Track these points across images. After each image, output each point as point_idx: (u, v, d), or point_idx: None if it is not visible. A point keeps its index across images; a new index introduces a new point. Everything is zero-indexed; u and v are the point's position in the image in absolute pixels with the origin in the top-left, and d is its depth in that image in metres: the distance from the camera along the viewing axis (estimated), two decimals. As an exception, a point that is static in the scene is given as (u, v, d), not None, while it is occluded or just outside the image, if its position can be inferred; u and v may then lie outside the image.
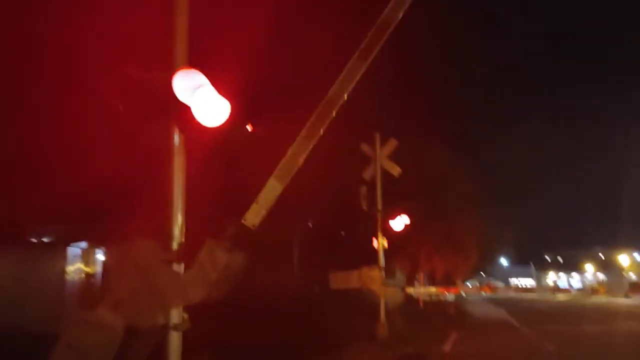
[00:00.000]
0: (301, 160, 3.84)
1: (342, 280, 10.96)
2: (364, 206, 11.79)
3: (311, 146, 3.88)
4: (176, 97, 3.44)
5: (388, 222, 12.65)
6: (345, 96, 3.81)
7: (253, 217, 3.59)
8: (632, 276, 49.74)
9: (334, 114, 3.86)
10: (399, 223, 11.66)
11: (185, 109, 3.46)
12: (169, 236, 3.75)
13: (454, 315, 22.51)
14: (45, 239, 15.87)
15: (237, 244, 3.45)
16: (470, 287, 29.92)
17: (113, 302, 3.28)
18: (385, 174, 12.38)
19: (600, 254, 71.00)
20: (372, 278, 10.47)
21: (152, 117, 3.61)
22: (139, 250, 3.46)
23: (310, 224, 17.88)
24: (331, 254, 15.95)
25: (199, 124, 3.51)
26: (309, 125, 3.79)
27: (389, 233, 13.03)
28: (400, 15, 4.01)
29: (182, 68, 3.49)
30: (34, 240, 15.01)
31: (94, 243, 13.55)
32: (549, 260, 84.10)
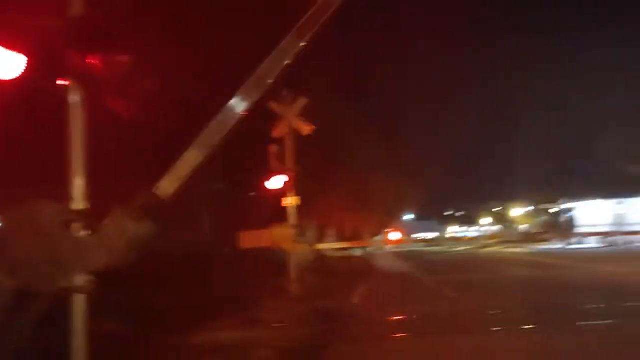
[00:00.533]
0: (224, 133, 3.74)
1: (252, 239, 11.00)
2: (275, 165, 11.78)
3: (235, 122, 3.80)
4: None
5: (299, 179, 12.77)
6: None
7: (167, 186, 3.48)
8: (523, 227, 53.74)
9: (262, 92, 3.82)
10: (276, 182, 11.72)
11: None
12: (69, 199, 3.58)
13: (362, 269, 23.35)
14: None
15: (147, 213, 3.34)
16: (378, 241, 31.05)
17: (8, 265, 3.11)
18: (296, 132, 12.40)
19: (496, 208, 76.83)
20: (283, 236, 10.59)
21: (45, 69, 3.37)
22: (39, 213, 3.28)
23: (221, 186, 17.67)
24: (243, 215, 15.91)
25: None
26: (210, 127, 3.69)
27: (301, 191, 13.16)
28: None
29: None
30: None
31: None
32: (451, 214, 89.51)
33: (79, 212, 3.54)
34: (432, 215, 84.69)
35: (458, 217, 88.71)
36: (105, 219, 3.38)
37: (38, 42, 3.29)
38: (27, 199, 3.33)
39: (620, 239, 33.29)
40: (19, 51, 3.26)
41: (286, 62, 3.72)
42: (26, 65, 3.28)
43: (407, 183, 35.68)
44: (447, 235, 77.48)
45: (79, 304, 3.58)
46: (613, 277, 15.09)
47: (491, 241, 47.34)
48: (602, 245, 34.03)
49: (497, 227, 69.87)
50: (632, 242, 32.87)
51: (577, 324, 8.00)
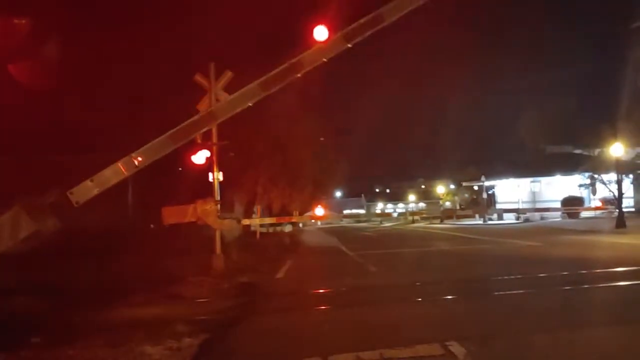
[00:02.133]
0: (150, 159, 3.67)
1: (176, 214, 10.79)
2: (199, 139, 11.55)
3: (170, 149, 3.77)
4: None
5: (222, 155, 12.62)
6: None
7: (81, 194, 3.36)
8: (447, 204, 55.67)
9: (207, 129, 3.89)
10: (200, 157, 11.61)
11: None
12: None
13: (289, 245, 23.54)
14: None
15: (53, 212, 3.20)
16: (306, 217, 31.31)
17: None
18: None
19: (422, 185, 79.40)
20: (207, 211, 10.44)
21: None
22: None
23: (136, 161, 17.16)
24: (169, 190, 15.58)
25: None
26: (179, 129, 3.63)
27: (225, 166, 13.02)
28: (315, 64, 4.01)
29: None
30: None
31: None
32: (379, 191, 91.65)
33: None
34: (361, 192, 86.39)
35: (386, 194, 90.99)
36: (4, 212, 3.22)
37: None
38: None
39: (535, 215, 35.19)
40: None
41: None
42: None
43: (337, 159, 36.12)
44: (375, 212, 79.23)
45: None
46: (528, 250, 15.99)
47: (417, 217, 48.81)
48: (519, 221, 35.87)
49: (422, 204, 72.22)
50: (546, 218, 34.85)
51: (494, 293, 8.47)
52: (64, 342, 5.84)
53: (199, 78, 11.97)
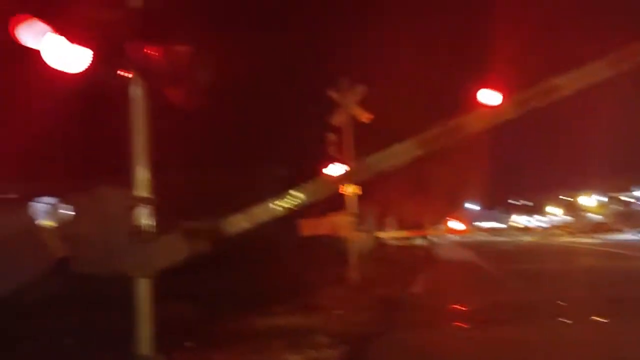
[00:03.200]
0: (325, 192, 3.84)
1: (312, 227, 11.09)
2: (333, 152, 11.80)
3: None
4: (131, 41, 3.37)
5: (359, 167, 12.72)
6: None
7: (234, 226, 3.59)
8: (596, 217, 51.52)
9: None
10: (336, 170, 11.74)
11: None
12: (133, 187, 3.71)
13: (423, 259, 23.10)
14: (10, 196, 15.56)
15: (206, 238, 3.44)
16: (440, 230, 30.61)
17: (78, 249, 3.30)
18: (355, 120, 12.36)
19: (564, 197, 73.86)
20: (342, 224, 10.62)
21: (108, 61, 3.50)
22: (105, 199, 3.45)
23: (280, 172, 17.85)
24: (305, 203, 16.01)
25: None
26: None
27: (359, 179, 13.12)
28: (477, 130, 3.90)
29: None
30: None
31: (59, 198, 13.41)
32: (516, 203, 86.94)
33: (141, 199, 3.69)
34: (496, 204, 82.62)
35: (523, 206, 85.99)
36: (166, 233, 3.51)
37: (100, 35, 3.42)
38: (94, 188, 3.50)
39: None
40: (84, 45, 3.40)
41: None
42: (88, 58, 3.41)
43: (471, 171, 34.91)
44: (512, 225, 75.37)
45: (143, 288, 3.72)
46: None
47: (559, 231, 45.63)
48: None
49: (565, 217, 67.29)
50: None
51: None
52: (212, 347, 6.18)
53: (332, 93, 12.23)
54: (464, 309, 9.47)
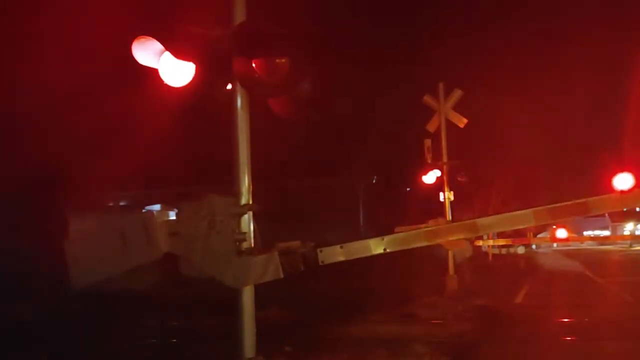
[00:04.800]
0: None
1: (408, 234, 10.92)
2: (429, 159, 11.60)
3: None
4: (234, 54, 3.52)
5: (455, 174, 12.46)
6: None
7: (329, 256, 3.64)
8: None
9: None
10: (431, 176, 11.43)
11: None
12: (237, 195, 3.83)
13: (525, 268, 22.12)
14: (122, 203, 16.71)
15: (302, 261, 3.52)
16: (543, 238, 29.10)
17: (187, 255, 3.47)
18: (451, 125, 12.10)
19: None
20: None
21: (214, 75, 3.66)
22: (212, 205, 3.59)
23: (374, 180, 17.85)
24: (399, 209, 15.93)
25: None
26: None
27: (455, 185, 12.85)
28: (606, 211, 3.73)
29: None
30: (112, 204, 15.87)
31: (167, 205, 14.20)
32: (626, 210, 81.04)
33: (245, 206, 3.82)
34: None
35: (635, 213, 79.90)
36: (264, 248, 3.62)
37: (205, 50, 3.59)
38: (200, 195, 3.67)
39: None
40: (188, 59, 3.59)
41: None
42: (195, 73, 3.59)
43: (574, 175, 32.99)
44: (624, 233, 70.27)
45: (247, 294, 3.83)
46: None
47: (678, 240, 41.98)
48: None
49: (684, 225, 61.81)
50: None
51: None
52: (311, 352, 6.27)
53: (428, 99, 12.04)
54: (570, 322, 8.96)
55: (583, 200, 3.87)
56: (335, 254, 3.77)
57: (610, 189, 3.77)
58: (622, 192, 3.70)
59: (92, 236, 3.50)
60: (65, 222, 3.40)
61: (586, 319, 8.98)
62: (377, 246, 3.89)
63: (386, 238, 3.97)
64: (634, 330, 7.78)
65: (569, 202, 4.00)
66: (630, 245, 47.86)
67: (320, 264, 3.73)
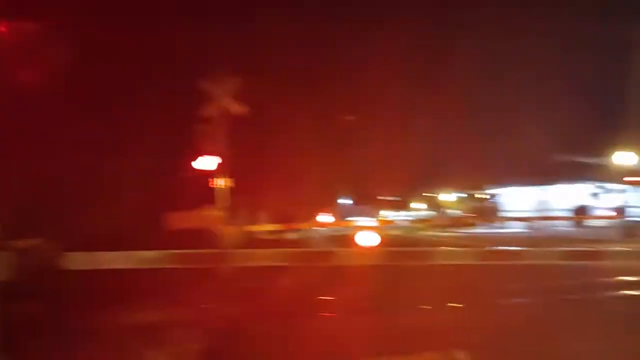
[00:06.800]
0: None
1: (181, 220, 10.78)
2: (205, 145, 11.56)
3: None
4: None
5: (230, 162, 12.63)
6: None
7: (75, 262, 3.33)
8: (454, 212, 55.47)
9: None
10: (207, 162, 11.63)
11: None
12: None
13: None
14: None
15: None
16: (312, 224, 31.17)
17: None
18: (228, 112, 12.20)
19: (426, 194, 79.29)
20: (212, 218, 10.44)
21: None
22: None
23: (151, 165, 17.14)
24: (173, 195, 15.54)
25: None
26: None
27: (232, 172, 13.03)
28: None
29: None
30: None
31: None
32: (385, 199, 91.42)
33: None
34: (367, 200, 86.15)
35: (392, 201, 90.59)
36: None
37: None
38: None
39: (541, 223, 34.94)
40: None
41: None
42: None
43: (344, 167, 36.02)
44: (381, 219, 78.90)
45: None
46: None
47: (422, 225, 48.55)
48: (525, 229, 35.65)
49: (428, 212, 71.91)
50: (553, 226, 34.61)
51: (498, 302, 8.42)
52: (64, 345, 5.82)
53: (205, 84, 11.98)
54: (331, 299, 9.73)
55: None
56: (81, 261, 3.48)
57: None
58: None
59: None
60: None
61: (344, 296, 9.83)
62: (126, 259, 3.72)
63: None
64: (385, 303, 8.83)
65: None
66: (386, 231, 53.93)
67: (62, 269, 3.41)
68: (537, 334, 6.12)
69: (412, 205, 78.45)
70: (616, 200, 26.14)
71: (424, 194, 76.62)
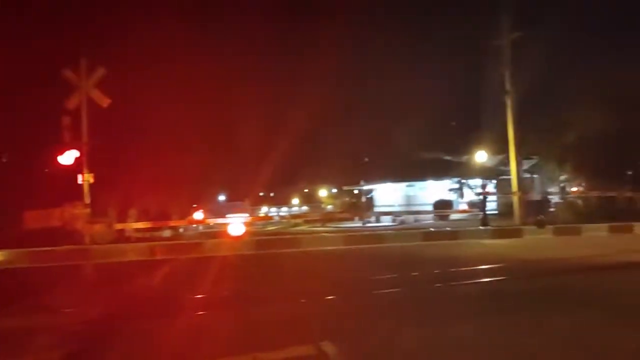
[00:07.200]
0: None
1: (41, 218, 10.05)
2: (67, 138, 10.85)
3: None
4: None
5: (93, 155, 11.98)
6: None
7: None
8: (329, 207, 57.00)
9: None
10: (68, 157, 11.02)
11: None
12: None
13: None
14: None
15: None
16: (185, 221, 30.44)
17: None
18: (94, 104, 11.57)
19: (305, 190, 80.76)
20: (76, 216, 9.84)
21: None
22: None
23: (4, 159, 15.81)
24: (32, 192, 14.43)
25: None
26: None
27: (98, 168, 12.36)
28: None
29: None
30: None
31: None
32: (263, 195, 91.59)
33: None
34: (246, 196, 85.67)
35: (270, 197, 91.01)
36: None
37: None
38: None
39: (409, 217, 37.01)
40: None
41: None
42: None
43: (220, 164, 35.61)
44: (260, 215, 78.95)
45: None
46: (402, 250, 16.65)
47: (298, 220, 49.34)
48: (394, 223, 37.53)
49: (304, 207, 73.29)
50: (420, 220, 36.81)
51: (372, 292, 8.88)
52: None
53: (68, 73, 11.25)
54: (204, 297, 9.63)
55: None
56: None
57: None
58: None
59: None
60: None
61: (215, 294, 9.77)
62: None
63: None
64: (267, 296, 8.90)
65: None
66: (264, 226, 54.09)
67: None
68: (404, 322, 6.53)
69: (293, 201, 79.64)
70: (474, 194, 28.46)
71: (304, 190, 78.12)
